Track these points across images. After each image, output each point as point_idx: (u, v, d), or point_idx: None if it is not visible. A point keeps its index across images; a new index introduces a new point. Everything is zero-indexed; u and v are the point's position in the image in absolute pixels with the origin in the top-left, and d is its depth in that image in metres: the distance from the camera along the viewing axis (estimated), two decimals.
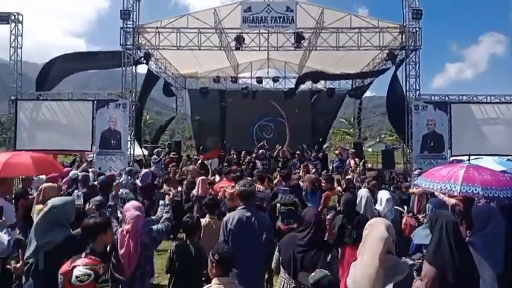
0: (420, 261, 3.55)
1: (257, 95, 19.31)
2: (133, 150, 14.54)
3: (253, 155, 13.46)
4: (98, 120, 14.00)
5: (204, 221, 4.82)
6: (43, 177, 7.09)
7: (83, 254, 2.82)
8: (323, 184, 7.33)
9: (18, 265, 3.31)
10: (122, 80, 14.33)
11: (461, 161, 8.85)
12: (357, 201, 6.41)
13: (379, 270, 2.61)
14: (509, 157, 12.98)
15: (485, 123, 13.79)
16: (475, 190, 3.65)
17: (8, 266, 3.34)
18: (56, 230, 3.39)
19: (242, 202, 3.99)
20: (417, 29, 13.54)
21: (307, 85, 19.54)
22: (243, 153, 14.06)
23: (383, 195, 6.58)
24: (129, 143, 14.17)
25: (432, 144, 13.39)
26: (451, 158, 12.94)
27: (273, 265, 3.57)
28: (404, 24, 13.71)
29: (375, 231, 2.75)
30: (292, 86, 19.88)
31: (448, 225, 2.94)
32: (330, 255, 3.35)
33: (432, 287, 2.86)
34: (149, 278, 3.73)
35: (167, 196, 4.48)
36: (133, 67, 14.54)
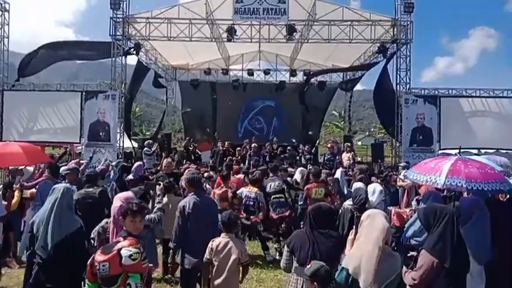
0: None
1: (248, 88, 19.27)
2: (123, 142, 14.41)
3: (245, 149, 13.38)
4: (86, 111, 13.83)
5: (164, 199, 5.37)
6: (31, 168, 6.98)
7: (120, 238, 2.94)
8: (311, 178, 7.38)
9: None
10: (111, 71, 14.15)
11: (449, 154, 8.94)
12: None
13: (380, 259, 2.66)
14: (496, 150, 13.15)
15: (474, 117, 13.96)
16: (459, 183, 3.64)
17: None
18: (71, 215, 3.54)
19: (193, 188, 4.54)
20: (408, 22, 13.57)
21: (298, 78, 19.54)
22: (226, 144, 13.97)
23: (375, 187, 6.63)
24: (118, 135, 14.04)
25: (421, 137, 13.52)
26: (440, 152, 13.08)
27: (283, 264, 3.52)
28: (396, 17, 13.73)
29: (377, 221, 2.80)
30: (284, 78, 19.95)
31: (452, 217, 3.02)
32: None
33: (428, 277, 2.91)
34: None
35: (158, 186, 4.47)
36: (123, 58, 14.37)
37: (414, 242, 4.34)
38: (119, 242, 2.89)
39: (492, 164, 7.42)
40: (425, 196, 4.54)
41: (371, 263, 2.61)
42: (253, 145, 12.88)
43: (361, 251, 2.71)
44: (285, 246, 3.55)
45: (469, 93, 14.18)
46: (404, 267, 3.29)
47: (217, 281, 3.87)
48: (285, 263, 3.48)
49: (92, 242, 3.49)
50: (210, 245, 3.95)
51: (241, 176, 8.38)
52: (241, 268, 4.00)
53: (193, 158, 13.28)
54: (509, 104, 14.03)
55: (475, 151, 12.43)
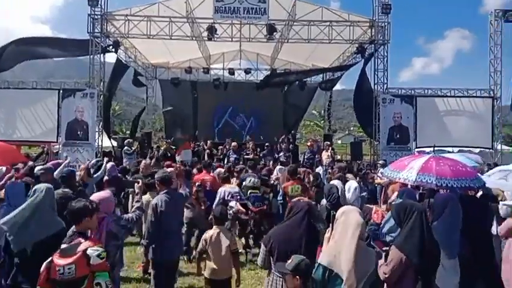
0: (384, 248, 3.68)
1: (229, 87, 19.27)
2: (101, 141, 14.21)
3: (226, 148, 13.41)
4: (64, 110, 13.58)
5: (145, 197, 5.70)
6: (3, 168, 6.78)
7: (81, 240, 2.88)
8: (287, 176, 7.53)
9: None
10: (89, 69, 13.93)
11: (425, 152, 9.20)
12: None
13: (357, 254, 2.71)
14: (469, 149, 13.59)
15: (449, 116, 14.38)
16: (429, 180, 3.84)
17: None
18: (54, 216, 3.56)
19: (164, 187, 4.73)
20: (386, 23, 13.85)
21: (278, 77, 19.62)
22: (208, 143, 13.94)
23: (351, 184, 6.80)
24: (97, 134, 13.84)
25: (398, 136, 13.84)
26: (416, 150, 13.41)
27: (260, 262, 3.53)
28: (374, 18, 13.98)
29: (352, 217, 2.85)
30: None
31: (421, 214, 3.13)
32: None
33: (397, 271, 3.01)
34: (118, 267, 3.66)
35: (136, 184, 4.35)
36: (101, 55, 14.15)
37: (390, 237, 4.49)
38: (79, 243, 2.82)
39: (466, 162, 7.73)
40: (401, 193, 4.69)
41: (349, 259, 2.67)
42: (233, 144, 12.93)
43: (338, 248, 2.75)
44: (262, 243, 3.57)
45: (444, 93, 14.60)
46: (380, 260, 3.39)
47: (213, 267, 4.42)
48: (262, 260, 3.50)
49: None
50: (203, 237, 4.52)
51: (220, 169, 8.50)
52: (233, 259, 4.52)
53: (169, 155, 13.13)
54: (483, 103, 14.52)
55: (450, 149, 12.84)
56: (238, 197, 6.87)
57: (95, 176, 6.67)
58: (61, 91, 13.73)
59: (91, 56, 13.84)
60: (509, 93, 14.46)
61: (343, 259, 2.68)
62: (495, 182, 4.31)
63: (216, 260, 4.39)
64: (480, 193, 5.98)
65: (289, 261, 2.83)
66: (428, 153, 6.49)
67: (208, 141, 14.20)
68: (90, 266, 2.69)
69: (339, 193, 6.34)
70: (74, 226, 3.13)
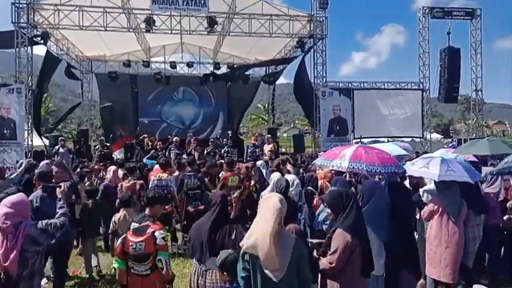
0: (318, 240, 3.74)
1: (171, 80, 18.76)
2: (31, 140, 13.27)
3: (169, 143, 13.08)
4: None
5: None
6: None
7: (149, 223, 3.53)
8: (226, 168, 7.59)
9: None
10: (15, 62, 12.94)
11: (362, 143, 9.65)
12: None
13: (273, 236, 2.70)
14: (403, 139, 14.47)
15: (384, 107, 15.19)
16: (360, 166, 4.14)
17: None
18: None
19: (41, 182, 4.84)
20: (323, 18, 14.25)
21: (222, 71, 19.52)
22: (152, 138, 13.57)
23: (290, 178, 6.91)
24: (26, 132, 12.93)
25: (337, 128, 14.40)
26: (354, 141, 14.02)
27: (188, 252, 3.84)
28: (312, 13, 14.32)
29: (270, 202, 2.87)
30: (208, 71, 19.75)
31: (356, 199, 3.32)
32: (234, 233, 3.45)
33: (344, 255, 3.09)
34: (39, 276, 3.36)
35: (58, 189, 3.93)
36: (28, 48, 13.15)
37: (326, 226, 4.62)
38: (148, 226, 3.47)
39: (397, 149, 8.19)
40: (334, 181, 4.86)
41: (265, 243, 2.68)
42: (175, 139, 12.66)
43: (255, 231, 2.78)
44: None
45: (379, 86, 15.39)
46: (315, 253, 3.43)
47: None
48: (189, 250, 3.75)
49: None
50: (113, 219, 5.14)
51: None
52: None
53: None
54: (413, 96, 15.51)
55: (385, 139, 13.58)
56: (160, 190, 6.68)
57: (11, 177, 6.13)
58: None
59: (17, 49, 12.85)
60: (437, 85, 15.57)
61: (259, 241, 2.70)
62: (418, 170, 4.62)
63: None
64: (407, 181, 6.40)
65: (218, 256, 2.92)
66: (363, 143, 6.89)
67: (152, 137, 13.77)
68: (156, 245, 3.37)
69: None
70: (147, 209, 3.88)
